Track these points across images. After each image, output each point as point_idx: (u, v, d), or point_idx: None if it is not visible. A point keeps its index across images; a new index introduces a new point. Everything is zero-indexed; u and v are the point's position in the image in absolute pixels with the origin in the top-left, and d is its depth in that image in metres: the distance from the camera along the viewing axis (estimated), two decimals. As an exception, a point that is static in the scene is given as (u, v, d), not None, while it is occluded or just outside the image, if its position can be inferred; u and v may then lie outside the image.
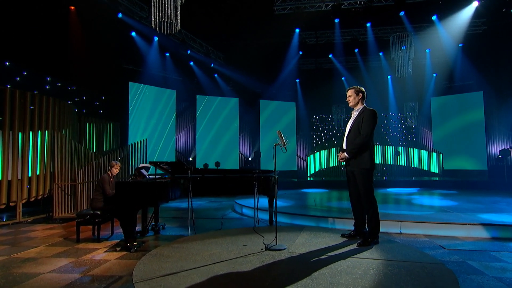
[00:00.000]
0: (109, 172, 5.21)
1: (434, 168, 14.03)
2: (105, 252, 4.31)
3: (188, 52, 11.04)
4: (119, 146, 11.38)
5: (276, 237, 3.72)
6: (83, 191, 6.90)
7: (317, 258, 3.24)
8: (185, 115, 13.91)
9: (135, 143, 8.93)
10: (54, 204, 6.58)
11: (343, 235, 4.15)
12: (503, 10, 9.22)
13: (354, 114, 4.00)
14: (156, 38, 10.61)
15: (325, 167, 15.74)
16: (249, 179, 4.93)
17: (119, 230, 5.48)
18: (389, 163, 15.06)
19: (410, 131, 15.34)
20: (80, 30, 9.07)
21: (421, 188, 11.13)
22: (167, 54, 11.46)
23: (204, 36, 11.64)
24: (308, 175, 15.26)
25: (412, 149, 14.69)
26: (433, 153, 14.09)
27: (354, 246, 3.68)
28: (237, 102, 14.61)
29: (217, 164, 13.28)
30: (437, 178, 13.25)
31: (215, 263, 3.11)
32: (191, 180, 4.52)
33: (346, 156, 3.86)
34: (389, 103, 14.58)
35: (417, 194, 9.57)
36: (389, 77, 14.29)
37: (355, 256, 3.30)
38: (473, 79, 13.13)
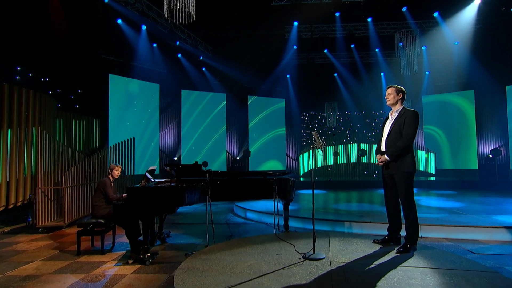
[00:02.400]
0: (109, 176, 4.96)
1: (431, 169, 14.54)
2: (115, 265, 4.06)
3: (177, 43, 10.68)
4: (99, 144, 10.87)
5: (314, 246, 3.64)
6: (69, 196, 6.47)
7: (366, 268, 3.20)
8: (169, 111, 13.51)
9: (122, 142, 8.52)
10: (37, 211, 6.14)
11: (375, 241, 4.14)
12: (503, 8, 9.67)
13: (393, 115, 4.00)
14: (144, 27, 10.15)
15: (315, 167, 15.92)
16: (269, 182, 4.83)
17: (120, 239, 5.21)
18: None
19: (402, 130, 15.80)
20: (60, 14, 8.52)
21: (418, 189, 11.50)
22: (155, 44, 11.02)
23: (193, 26, 11.30)
24: (300, 175, 15.35)
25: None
26: (430, 153, 14.60)
27: (394, 253, 3.68)
28: (225, 98, 14.38)
29: (205, 164, 13.03)
30: (433, 178, 13.75)
31: (260, 276, 2.99)
32: (210, 184, 4.35)
33: (386, 159, 3.85)
34: (383, 101, 14.94)
35: (417, 195, 9.86)
36: (382, 74, 14.63)
37: (403, 264, 3.29)
38: (465, 78, 13.69)
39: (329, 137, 16.17)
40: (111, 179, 4.96)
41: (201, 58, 12.52)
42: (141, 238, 4.82)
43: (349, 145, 15.77)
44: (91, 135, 10.65)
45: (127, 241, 5.14)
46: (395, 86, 4.02)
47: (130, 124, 11.71)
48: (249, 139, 14.88)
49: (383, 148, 3.99)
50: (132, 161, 8.84)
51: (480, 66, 12.81)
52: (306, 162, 15.81)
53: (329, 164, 15.94)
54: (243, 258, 3.56)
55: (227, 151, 14.52)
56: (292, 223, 6.01)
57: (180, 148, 13.40)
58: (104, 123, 11.14)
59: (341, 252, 3.75)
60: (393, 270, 3.13)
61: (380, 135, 4.15)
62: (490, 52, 12.46)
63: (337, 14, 10.30)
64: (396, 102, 3.98)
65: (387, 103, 4.06)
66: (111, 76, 11.48)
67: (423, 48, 12.57)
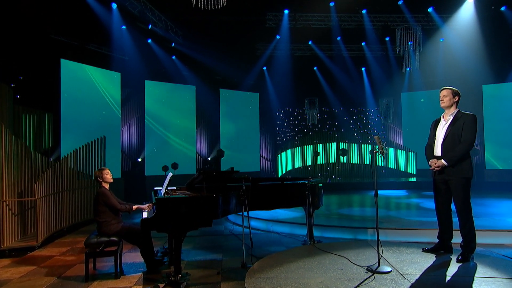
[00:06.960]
0: (103, 184, 4.52)
1: (411, 169, 15.57)
2: (143, 292, 3.79)
3: (150, 26, 10.13)
4: (53, 144, 10.00)
5: (379, 259, 3.74)
6: (42, 208, 5.88)
7: (446, 281, 3.36)
8: (131, 104, 12.81)
9: (91, 142, 7.94)
10: (2, 229, 5.49)
11: (425, 250, 4.37)
12: (492, 7, 10.68)
13: (448, 118, 4.22)
14: (114, 5, 9.44)
15: (292, 168, 16.24)
16: (304, 188, 4.86)
17: (124, 260, 4.87)
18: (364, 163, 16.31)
19: (380, 128, 16.68)
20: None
21: (408, 190, 12.31)
22: (124, 27, 10.32)
23: (165, 6, 10.80)
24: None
25: (387, 148, 16.06)
26: (410, 152, 15.61)
27: (455, 263, 3.89)
28: (195, 90, 14.03)
29: (175, 165, 12.63)
30: (413, 179, 14.75)
31: (346, 297, 3.01)
32: (250, 192, 4.26)
33: (444, 164, 4.07)
34: (366, 97, 15.71)
35: (410, 197, 10.53)
36: (363, 69, 15.34)
37: (477, 275, 3.49)
38: (443, 75, 14.85)
39: (305, 136, 16.58)
40: (107, 186, 4.57)
41: (173, 45, 12.05)
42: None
43: (328, 143, 16.35)
44: (41, 132, 9.76)
45: (132, 261, 4.88)
46: (451, 88, 4.25)
47: (86, 119, 10.89)
48: (221, 137, 14.69)
49: (438, 153, 4.20)
50: (103, 164, 8.29)
51: (459, 64, 13.93)
52: (285, 163, 16.04)
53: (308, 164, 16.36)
54: (306, 274, 3.55)
55: (196, 151, 14.19)
56: (304, 231, 6.08)
57: (144, 148, 12.80)
58: (55, 118, 10.25)
59: (402, 263, 3.90)
60: (474, 282, 3.33)
61: (432, 139, 4.37)
62: (470, 49, 13.58)
63: (331, 4, 10.58)
64: (451, 105, 4.21)
65: (441, 105, 4.28)
66: (62, 61, 10.58)
67: (409, 43, 13.41)
